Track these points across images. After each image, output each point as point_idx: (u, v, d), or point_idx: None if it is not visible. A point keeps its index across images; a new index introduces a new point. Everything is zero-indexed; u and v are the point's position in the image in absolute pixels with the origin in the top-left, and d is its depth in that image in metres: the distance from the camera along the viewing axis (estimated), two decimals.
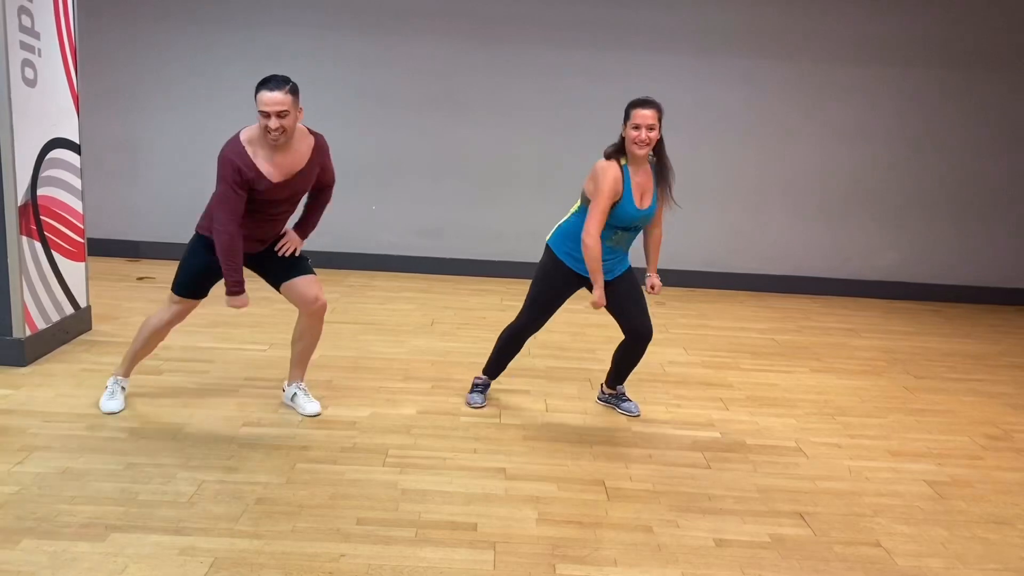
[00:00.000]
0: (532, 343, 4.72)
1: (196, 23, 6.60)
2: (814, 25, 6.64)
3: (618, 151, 3.39)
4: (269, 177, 3.16)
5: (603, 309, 3.56)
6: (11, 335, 4.00)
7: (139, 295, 5.66)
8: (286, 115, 3.05)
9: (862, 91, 6.75)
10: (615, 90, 7.03)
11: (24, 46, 3.92)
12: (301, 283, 3.43)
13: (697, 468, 3.31)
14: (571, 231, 3.53)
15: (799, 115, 6.81)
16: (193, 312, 5.07)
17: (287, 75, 3.14)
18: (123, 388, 3.63)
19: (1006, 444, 3.79)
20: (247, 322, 5.01)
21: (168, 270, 6.52)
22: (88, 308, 4.66)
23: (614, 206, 3.37)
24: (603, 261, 3.45)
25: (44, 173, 4.15)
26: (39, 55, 4.06)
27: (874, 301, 6.94)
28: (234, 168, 3.09)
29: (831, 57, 6.69)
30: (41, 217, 4.15)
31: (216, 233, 3.15)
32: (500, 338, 3.83)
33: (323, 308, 3.50)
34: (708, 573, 2.54)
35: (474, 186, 6.96)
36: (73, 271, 4.48)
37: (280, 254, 3.44)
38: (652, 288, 3.67)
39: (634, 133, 3.29)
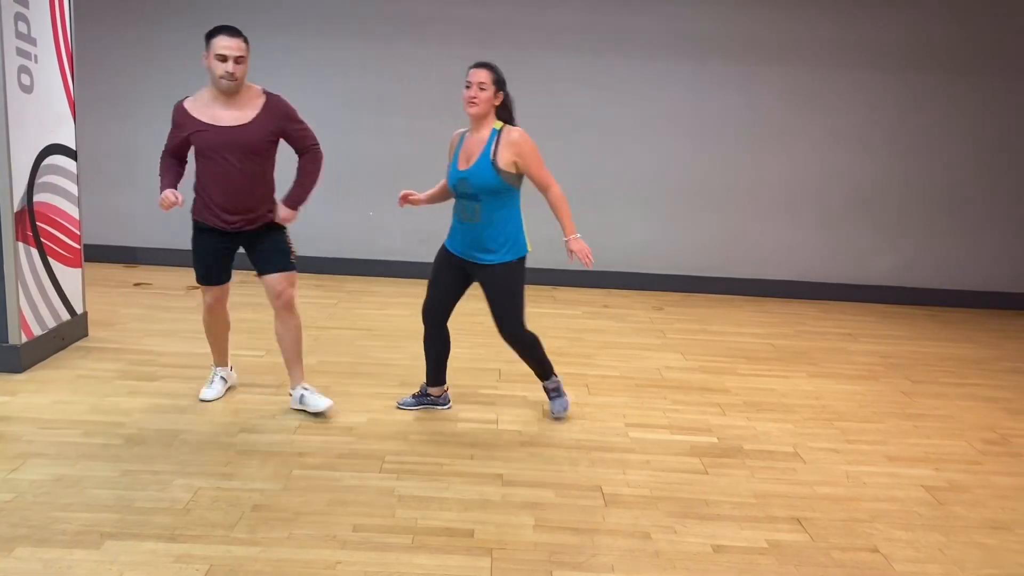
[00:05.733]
0: None
1: (193, 28, 6.58)
2: (812, 31, 6.65)
3: None
4: (209, 121, 3.32)
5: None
6: (7, 341, 3.99)
7: (136, 301, 5.65)
8: (242, 61, 3.27)
9: (860, 96, 6.76)
10: (614, 96, 7.08)
11: (20, 52, 3.91)
12: (270, 279, 3.57)
13: (694, 474, 3.30)
14: None
15: (797, 120, 6.82)
16: (187, 319, 5.13)
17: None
18: (223, 378, 3.85)
19: (1004, 449, 3.78)
20: (243, 328, 5.00)
21: (165, 276, 6.59)
22: (84, 314, 4.65)
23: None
24: (455, 233, 3.77)
25: (40, 179, 4.14)
26: (35, 61, 4.05)
27: (872, 306, 6.94)
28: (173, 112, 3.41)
29: (829, 62, 6.69)
30: (37, 223, 4.14)
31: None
32: None
33: (287, 303, 3.60)
34: None
35: None
36: (69, 277, 4.47)
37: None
38: (570, 254, 3.47)
39: (465, 92, 3.43)
